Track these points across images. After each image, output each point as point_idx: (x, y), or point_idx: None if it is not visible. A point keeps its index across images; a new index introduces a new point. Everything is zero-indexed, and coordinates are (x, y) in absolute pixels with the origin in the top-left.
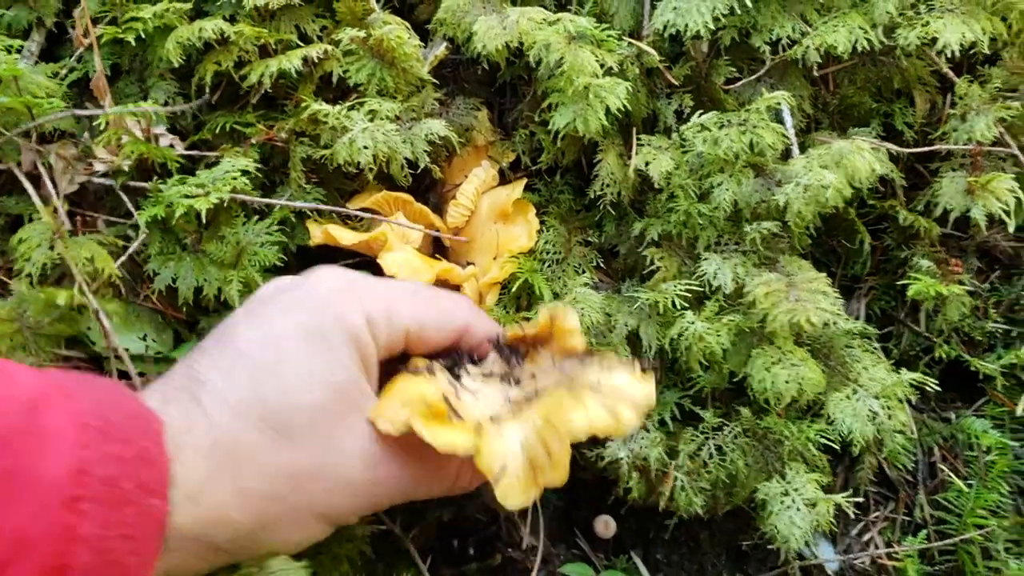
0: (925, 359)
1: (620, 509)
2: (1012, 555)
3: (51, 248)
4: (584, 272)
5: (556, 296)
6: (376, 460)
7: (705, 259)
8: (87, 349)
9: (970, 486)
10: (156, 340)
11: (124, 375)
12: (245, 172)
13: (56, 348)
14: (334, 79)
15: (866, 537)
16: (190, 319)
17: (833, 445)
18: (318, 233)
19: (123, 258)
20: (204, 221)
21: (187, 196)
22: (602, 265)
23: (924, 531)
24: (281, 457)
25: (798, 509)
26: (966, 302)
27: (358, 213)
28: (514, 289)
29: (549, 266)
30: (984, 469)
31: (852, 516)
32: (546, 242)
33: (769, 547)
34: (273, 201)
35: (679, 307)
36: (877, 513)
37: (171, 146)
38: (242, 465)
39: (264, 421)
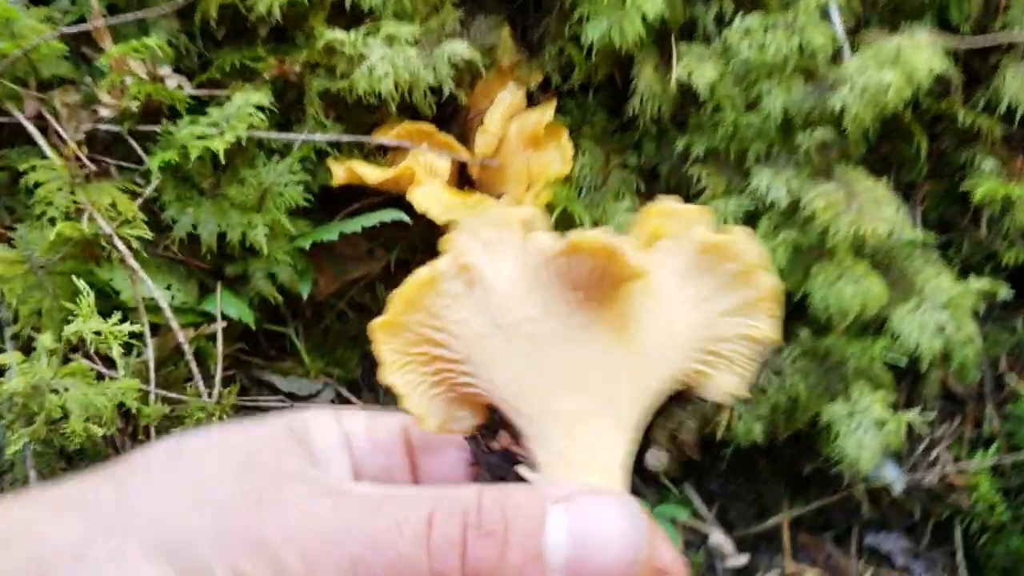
0: (988, 266)
1: (673, 440)
2: None
3: (71, 192)
4: (625, 197)
5: (596, 225)
6: None
7: (756, 174)
8: (111, 301)
9: None
10: (181, 291)
11: (155, 328)
12: (260, 108)
13: (72, 293)
14: (347, 4)
15: (933, 455)
16: (214, 268)
17: (898, 362)
18: (340, 172)
19: (136, 205)
20: (221, 163)
21: (200, 137)
22: (643, 188)
23: (995, 445)
24: None
25: (866, 430)
26: None
27: (386, 142)
28: (552, 220)
29: (587, 193)
30: None
31: (917, 434)
32: (582, 167)
33: (831, 472)
34: (293, 136)
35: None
36: (944, 429)
37: (179, 87)
38: None
39: None
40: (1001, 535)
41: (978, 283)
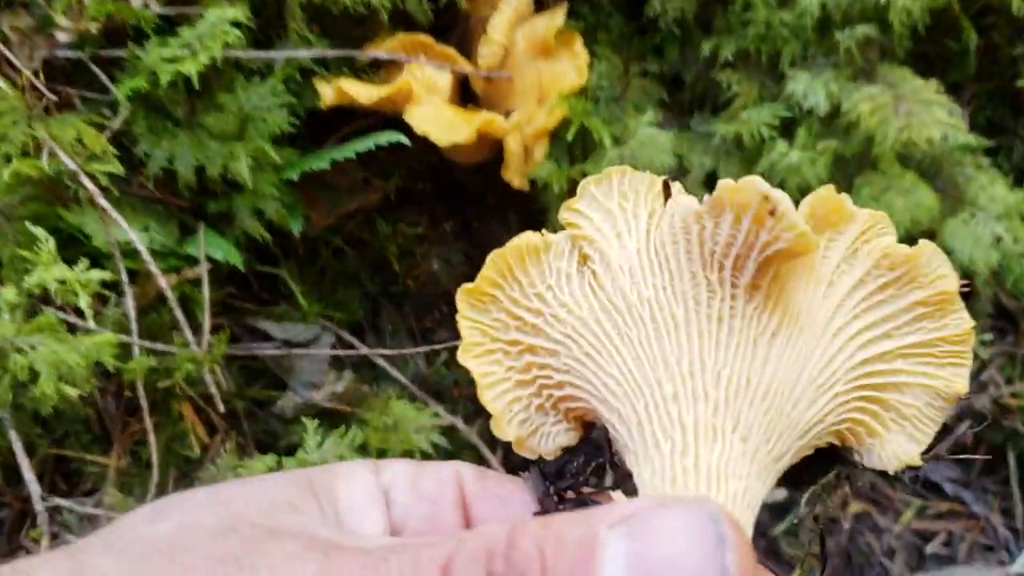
0: None
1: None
2: None
3: (29, 126)
4: (647, 109)
5: (617, 141)
6: None
7: (791, 77)
8: (84, 247)
9: None
10: (159, 232)
11: (133, 274)
12: (236, 24)
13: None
14: None
15: (984, 376)
16: (195, 205)
17: None
18: (329, 92)
19: (104, 138)
20: (196, 88)
21: (171, 60)
22: (666, 98)
23: None
24: None
25: None
26: None
27: (378, 55)
28: (569, 136)
29: (605, 105)
30: None
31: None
32: (599, 77)
33: None
34: (274, 54)
35: (767, 138)
36: (995, 349)
37: (144, 5)
38: None
39: None
40: None
41: None
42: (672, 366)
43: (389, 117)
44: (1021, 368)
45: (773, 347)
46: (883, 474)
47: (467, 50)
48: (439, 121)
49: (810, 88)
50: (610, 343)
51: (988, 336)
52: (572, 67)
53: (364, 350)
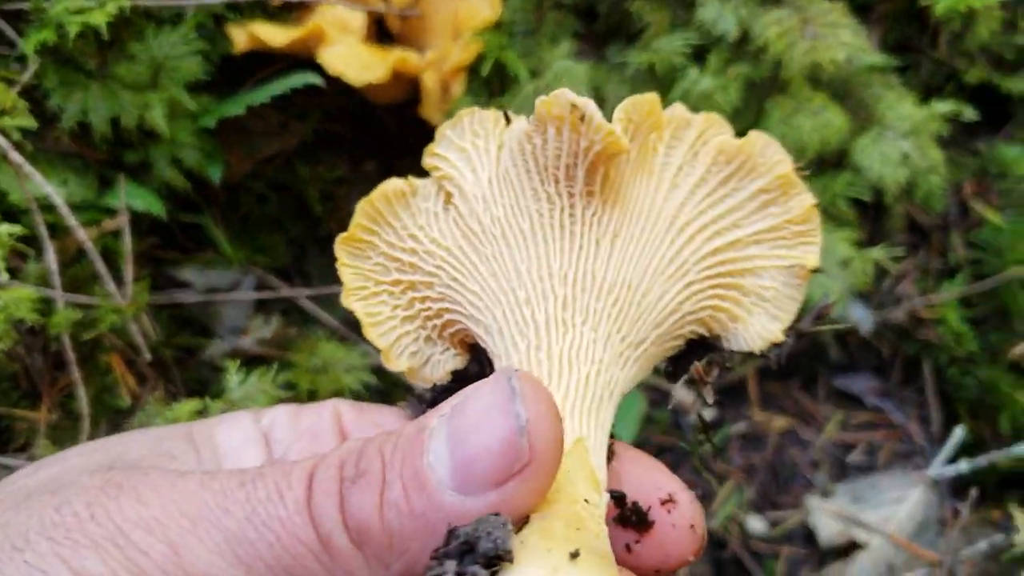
0: (948, 88)
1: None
2: None
3: None
4: (562, 41)
5: (533, 75)
6: None
7: (701, 4)
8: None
9: (1006, 220)
10: (79, 185)
11: (53, 228)
12: None
13: None
14: None
15: (899, 290)
16: (113, 157)
17: (862, 196)
18: (242, 37)
19: (14, 93)
20: (106, 39)
21: (78, 12)
22: (581, 30)
23: (961, 274)
24: None
25: (830, 272)
26: (996, 16)
27: None
28: (484, 72)
29: (520, 39)
30: (1020, 199)
31: (883, 270)
32: (513, 11)
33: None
34: (183, 2)
35: (678, 65)
36: (909, 263)
37: None
38: None
39: None
40: (970, 366)
41: (941, 106)
42: (523, 274)
43: (306, 60)
44: (935, 280)
45: (616, 245)
46: (751, 355)
47: None
48: (352, 61)
49: (720, 14)
50: (470, 263)
51: (899, 251)
52: (486, 2)
53: (286, 292)
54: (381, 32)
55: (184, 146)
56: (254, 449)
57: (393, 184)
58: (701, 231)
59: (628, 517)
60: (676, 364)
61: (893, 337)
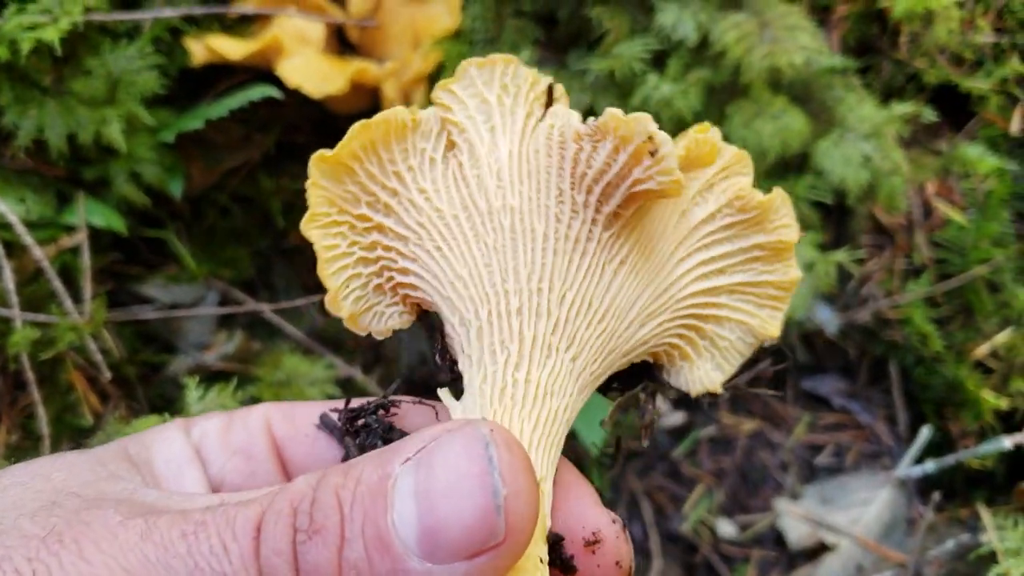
0: (909, 89)
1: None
2: (1020, 284)
3: None
4: (523, 49)
5: None
6: None
7: (660, 9)
8: None
9: (970, 219)
10: (37, 203)
11: (9, 246)
12: None
13: None
14: None
15: (865, 291)
16: (71, 173)
17: (824, 199)
18: (200, 50)
19: None
20: (61, 55)
21: (31, 28)
22: (541, 38)
23: (926, 274)
24: None
25: None
26: (954, 16)
27: (247, 10)
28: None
29: (481, 47)
30: (983, 199)
31: (848, 272)
32: (473, 19)
33: None
34: (140, 15)
35: (638, 71)
36: (874, 264)
37: None
38: None
39: None
40: (936, 366)
41: (901, 107)
42: (522, 280)
43: (266, 71)
44: (900, 280)
45: (619, 274)
46: (685, 395)
47: None
48: (311, 73)
49: (679, 19)
50: (464, 243)
51: (862, 253)
52: (445, 10)
53: (251, 305)
54: (343, 42)
55: (143, 161)
56: (193, 469)
57: (397, 113)
58: (691, 271)
59: (554, 561)
60: (608, 381)
61: (859, 338)
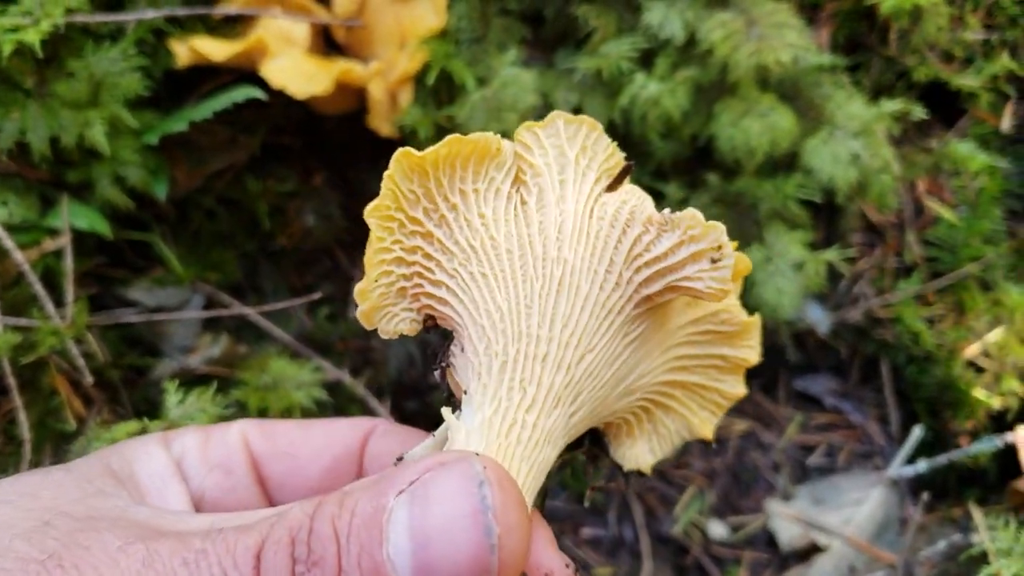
0: (899, 86)
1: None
2: (1011, 281)
3: None
4: (509, 48)
5: (481, 83)
6: None
7: (647, 7)
8: None
9: (961, 217)
10: (19, 206)
11: None
12: None
13: None
14: None
15: (856, 290)
16: (55, 176)
17: (814, 198)
18: (184, 52)
19: None
20: (43, 57)
21: (12, 30)
22: (528, 36)
23: (917, 272)
24: None
25: (784, 274)
26: (943, 12)
27: (230, 11)
28: (431, 81)
29: (467, 47)
30: (974, 196)
31: (838, 271)
32: (459, 19)
33: None
34: (123, 17)
35: (626, 70)
36: (865, 263)
37: None
38: None
39: None
40: (927, 365)
41: (891, 105)
42: (556, 331)
43: (251, 73)
44: (891, 279)
45: (627, 350)
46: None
47: None
48: (295, 74)
49: (666, 17)
50: (512, 278)
51: (852, 252)
52: (430, 9)
53: (237, 308)
54: (329, 43)
55: (127, 164)
56: (173, 483)
57: (490, 139)
58: (670, 361)
59: None
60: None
61: (851, 337)
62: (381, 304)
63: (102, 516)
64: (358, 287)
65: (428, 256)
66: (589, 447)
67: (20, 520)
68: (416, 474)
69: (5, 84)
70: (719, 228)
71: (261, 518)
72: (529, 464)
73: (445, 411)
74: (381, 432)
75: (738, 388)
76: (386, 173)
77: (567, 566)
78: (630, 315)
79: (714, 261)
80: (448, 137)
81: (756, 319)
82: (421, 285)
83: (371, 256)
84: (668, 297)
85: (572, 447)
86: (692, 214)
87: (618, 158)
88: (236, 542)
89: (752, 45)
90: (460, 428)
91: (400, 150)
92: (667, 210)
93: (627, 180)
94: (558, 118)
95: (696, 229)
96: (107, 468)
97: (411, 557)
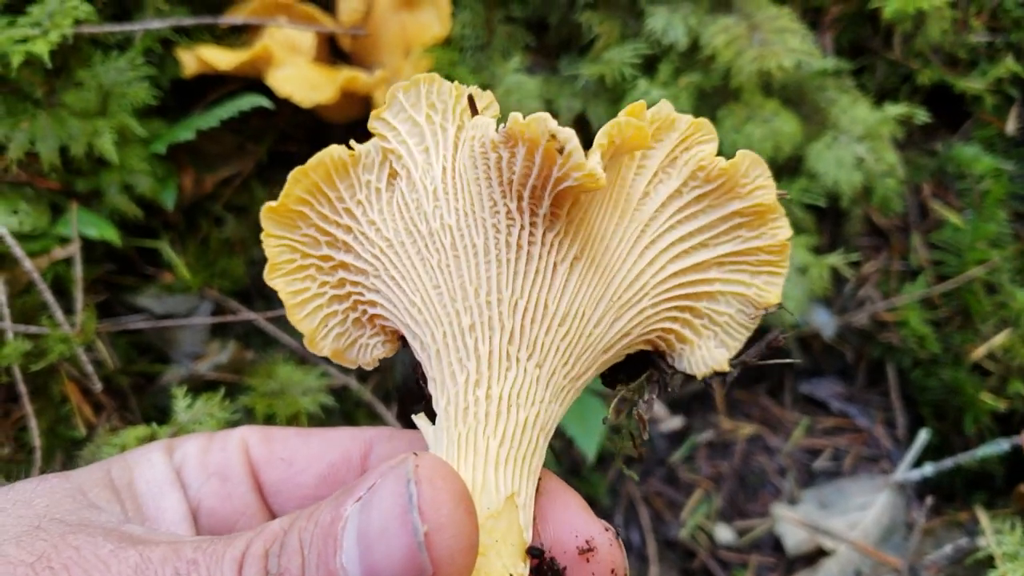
0: (904, 89)
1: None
2: (1017, 284)
3: None
4: (513, 55)
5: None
6: None
7: (650, 14)
8: None
9: (966, 220)
10: (30, 215)
11: (1, 258)
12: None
13: None
14: None
15: (861, 294)
16: (65, 185)
17: (818, 202)
18: (191, 61)
19: None
20: (52, 67)
21: (21, 41)
22: (532, 43)
23: (922, 276)
24: None
25: (790, 278)
26: (947, 16)
27: (236, 20)
28: None
29: (471, 54)
30: (979, 199)
31: (843, 275)
32: (463, 26)
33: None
34: (131, 27)
35: (629, 77)
36: (870, 266)
37: None
38: None
39: None
40: (933, 368)
41: (895, 109)
42: (470, 297)
43: (257, 81)
44: (896, 282)
45: (574, 271)
46: (692, 378)
47: (330, 4)
48: (301, 82)
49: (669, 23)
50: (413, 269)
51: (856, 256)
52: (435, 17)
53: (245, 314)
54: (335, 51)
55: (135, 172)
56: (173, 493)
57: (333, 152)
58: (666, 251)
59: (545, 573)
60: (614, 373)
61: (857, 341)
62: (347, 343)
63: (96, 525)
64: (305, 342)
65: (353, 283)
66: (652, 372)
67: (12, 526)
68: (372, 481)
69: (15, 94)
70: (542, 118)
71: (234, 539)
72: (499, 438)
73: (416, 418)
74: (386, 438)
75: (780, 234)
76: (263, 235)
77: (607, 530)
78: (550, 241)
79: (560, 152)
80: (292, 173)
81: (742, 155)
82: (365, 310)
83: (298, 311)
84: (568, 204)
85: (633, 378)
86: (515, 119)
87: (465, 97)
88: (224, 551)
89: (755, 51)
90: (429, 430)
91: (262, 208)
92: (502, 125)
93: (485, 111)
94: (395, 91)
95: (527, 132)
96: (106, 478)
97: (359, 562)
